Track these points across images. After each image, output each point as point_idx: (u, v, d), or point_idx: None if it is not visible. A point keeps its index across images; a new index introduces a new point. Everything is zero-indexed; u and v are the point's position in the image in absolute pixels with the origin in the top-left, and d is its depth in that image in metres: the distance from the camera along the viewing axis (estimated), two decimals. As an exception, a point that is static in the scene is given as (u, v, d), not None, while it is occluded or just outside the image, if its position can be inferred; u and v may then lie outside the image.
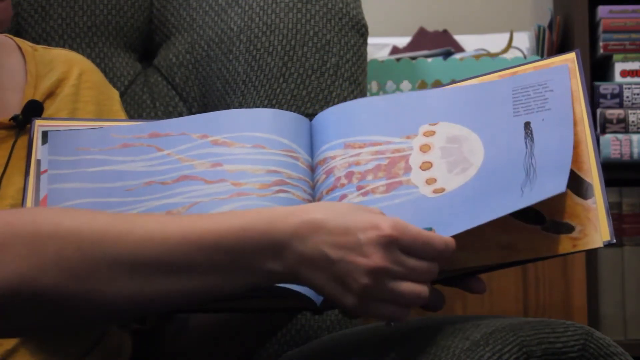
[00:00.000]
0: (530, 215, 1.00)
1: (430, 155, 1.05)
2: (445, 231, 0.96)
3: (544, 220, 0.99)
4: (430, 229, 0.96)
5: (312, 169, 1.08)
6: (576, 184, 0.99)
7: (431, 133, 1.06)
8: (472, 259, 1.00)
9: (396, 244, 0.92)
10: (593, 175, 0.99)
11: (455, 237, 0.95)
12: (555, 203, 0.99)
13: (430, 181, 1.04)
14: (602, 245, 0.97)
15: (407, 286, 0.93)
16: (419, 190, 1.03)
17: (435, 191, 1.03)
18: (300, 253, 0.93)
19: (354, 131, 1.07)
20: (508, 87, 1.05)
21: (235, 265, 0.94)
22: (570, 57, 1.05)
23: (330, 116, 1.09)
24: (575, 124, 1.02)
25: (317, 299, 0.99)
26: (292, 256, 0.93)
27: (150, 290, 0.94)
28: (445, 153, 1.04)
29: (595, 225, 0.97)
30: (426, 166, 1.04)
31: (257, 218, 0.94)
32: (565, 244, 0.98)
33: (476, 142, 1.04)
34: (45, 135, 1.09)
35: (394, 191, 1.04)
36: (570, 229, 0.98)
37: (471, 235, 0.98)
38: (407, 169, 1.05)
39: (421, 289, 0.93)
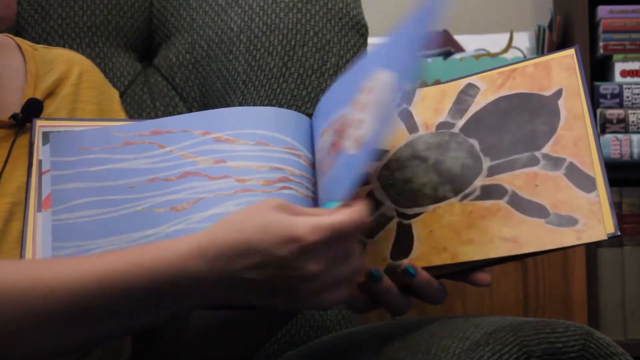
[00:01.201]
0: (534, 209, 1.00)
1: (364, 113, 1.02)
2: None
3: (547, 213, 1.00)
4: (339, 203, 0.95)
5: (313, 166, 1.08)
6: (578, 178, 1.00)
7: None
8: (477, 253, 1.00)
9: (321, 244, 0.92)
10: (595, 169, 1.00)
11: (458, 233, 0.95)
12: (559, 197, 0.99)
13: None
14: (606, 237, 0.97)
15: (346, 268, 0.93)
16: (348, 152, 1.01)
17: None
18: (223, 282, 0.92)
19: (327, 115, 1.07)
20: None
21: (154, 303, 0.93)
22: (570, 53, 1.06)
23: (317, 109, 1.09)
24: (576, 119, 1.02)
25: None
26: (216, 287, 0.92)
27: (71, 337, 0.92)
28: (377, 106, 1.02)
29: (599, 218, 0.97)
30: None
31: (166, 257, 0.91)
32: (569, 237, 0.98)
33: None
34: (46, 135, 1.09)
35: (337, 161, 1.02)
36: (573, 222, 0.98)
37: (475, 230, 0.98)
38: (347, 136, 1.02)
39: (357, 263, 0.94)
